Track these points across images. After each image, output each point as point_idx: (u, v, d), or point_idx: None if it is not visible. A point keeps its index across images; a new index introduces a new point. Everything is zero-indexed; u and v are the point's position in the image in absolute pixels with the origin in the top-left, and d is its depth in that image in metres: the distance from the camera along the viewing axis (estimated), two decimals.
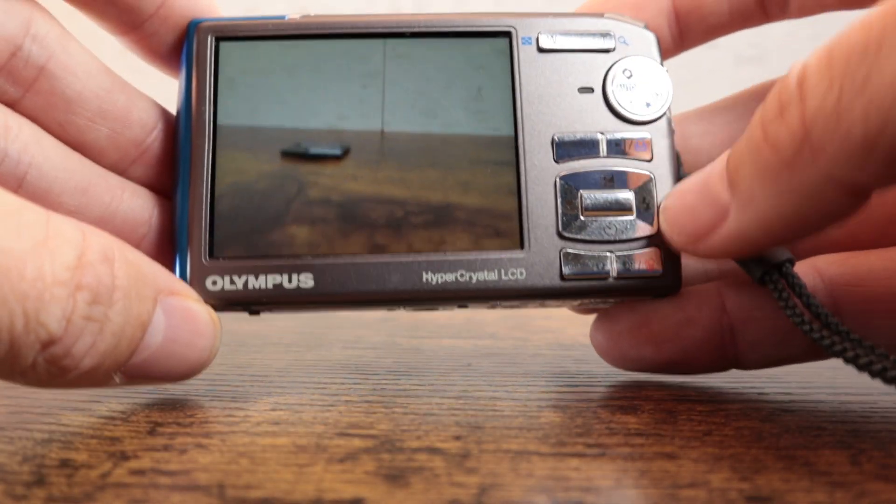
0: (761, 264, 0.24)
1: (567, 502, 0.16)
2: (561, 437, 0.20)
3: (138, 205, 0.26)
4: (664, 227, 0.25)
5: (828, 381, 0.27)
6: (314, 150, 0.26)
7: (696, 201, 0.23)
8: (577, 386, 0.27)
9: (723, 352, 0.26)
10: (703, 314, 0.26)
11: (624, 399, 0.25)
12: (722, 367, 0.27)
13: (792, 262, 0.24)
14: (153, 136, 0.27)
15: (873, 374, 0.20)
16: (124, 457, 0.19)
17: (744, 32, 0.30)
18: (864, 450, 0.19)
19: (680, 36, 0.29)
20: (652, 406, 0.24)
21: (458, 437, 0.20)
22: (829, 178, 0.20)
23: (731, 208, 0.22)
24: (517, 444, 0.20)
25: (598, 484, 0.17)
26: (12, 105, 0.25)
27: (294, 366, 0.31)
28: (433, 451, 0.19)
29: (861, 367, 0.21)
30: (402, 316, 0.44)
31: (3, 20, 0.24)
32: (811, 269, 0.26)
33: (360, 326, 0.42)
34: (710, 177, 0.23)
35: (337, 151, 0.26)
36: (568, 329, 0.41)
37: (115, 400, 0.24)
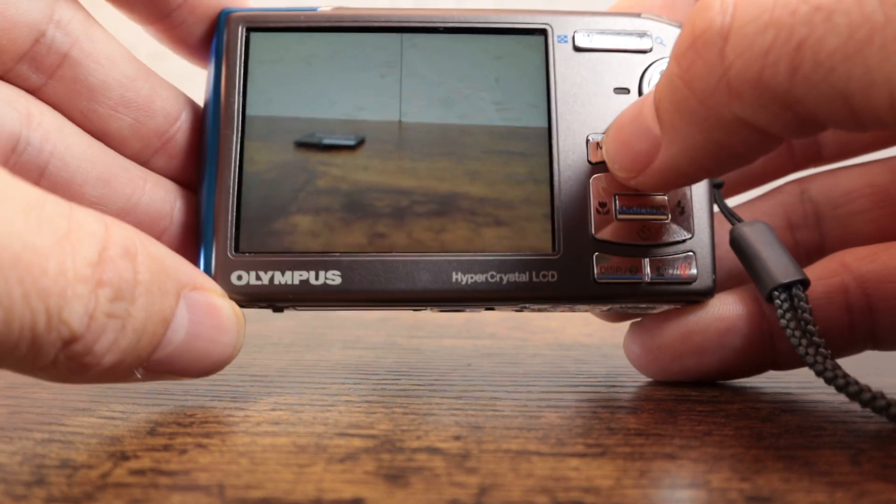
0: (771, 282, 0.24)
1: (567, 502, 0.16)
2: (561, 437, 0.20)
3: (160, 196, 0.26)
4: (608, 162, 0.25)
5: None
6: (340, 142, 0.26)
7: (632, 134, 0.23)
8: (577, 386, 0.27)
9: (762, 356, 0.26)
10: (743, 322, 0.25)
11: (624, 399, 0.25)
12: (760, 370, 0.27)
13: (804, 285, 0.24)
14: (177, 126, 0.26)
15: (864, 404, 0.21)
16: (124, 457, 0.19)
17: None
18: (864, 450, 0.19)
19: None
20: (652, 406, 0.24)
21: (458, 437, 0.20)
22: (741, 121, 0.20)
23: (661, 141, 0.22)
24: (517, 444, 0.20)
25: (598, 484, 0.17)
26: (34, 92, 0.24)
27: (294, 366, 0.31)
28: (433, 451, 0.19)
29: (852, 396, 0.21)
30: (402, 316, 0.44)
31: (27, 6, 0.23)
32: (840, 267, 0.26)
33: (360, 326, 0.42)
34: (642, 108, 0.23)
35: (352, 143, 0.26)
36: (568, 329, 0.41)
37: (115, 400, 0.24)
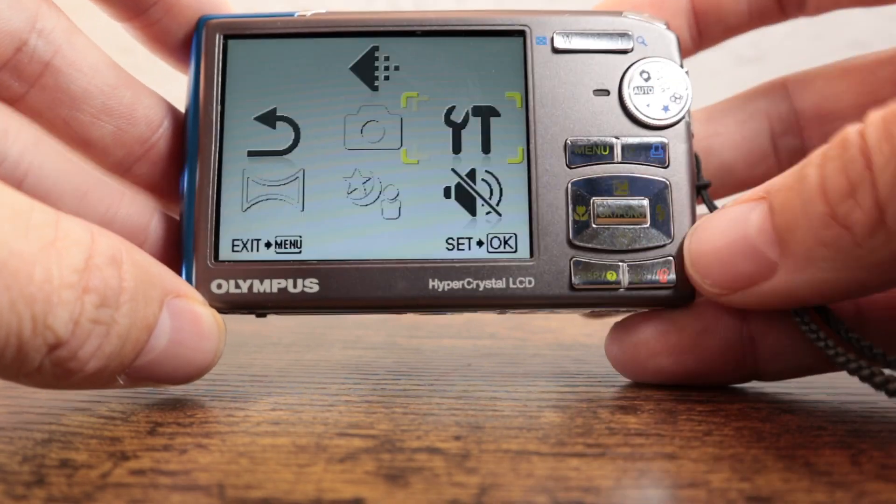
0: None
1: (567, 502, 0.16)
2: (561, 437, 0.20)
3: (137, 211, 0.26)
4: (693, 276, 0.24)
5: (828, 381, 0.27)
6: (321, 150, 0.26)
7: (736, 255, 0.22)
8: (577, 386, 0.27)
9: (743, 362, 0.25)
10: (722, 323, 0.25)
11: (624, 399, 0.25)
12: (742, 378, 0.26)
13: None
14: (159, 133, 0.26)
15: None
16: (124, 457, 0.19)
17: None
18: (864, 450, 0.19)
19: (699, 35, 0.29)
20: (652, 406, 0.24)
21: (458, 437, 0.20)
22: None
23: (779, 267, 0.21)
24: (517, 444, 0.20)
25: (598, 484, 0.17)
26: (16, 101, 0.24)
27: (294, 366, 0.31)
28: (433, 451, 0.19)
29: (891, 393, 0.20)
30: (403, 316, 0.44)
31: (9, 15, 0.23)
32: None
33: (360, 327, 0.42)
34: (749, 230, 0.22)
35: (342, 150, 0.26)
36: (568, 329, 0.41)
37: (115, 400, 0.24)
